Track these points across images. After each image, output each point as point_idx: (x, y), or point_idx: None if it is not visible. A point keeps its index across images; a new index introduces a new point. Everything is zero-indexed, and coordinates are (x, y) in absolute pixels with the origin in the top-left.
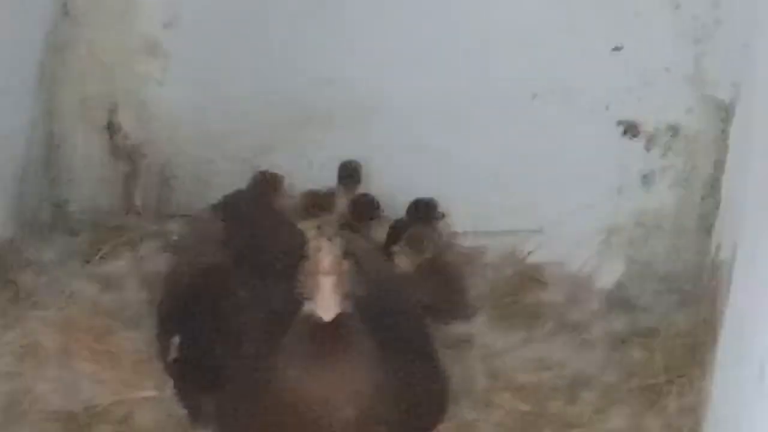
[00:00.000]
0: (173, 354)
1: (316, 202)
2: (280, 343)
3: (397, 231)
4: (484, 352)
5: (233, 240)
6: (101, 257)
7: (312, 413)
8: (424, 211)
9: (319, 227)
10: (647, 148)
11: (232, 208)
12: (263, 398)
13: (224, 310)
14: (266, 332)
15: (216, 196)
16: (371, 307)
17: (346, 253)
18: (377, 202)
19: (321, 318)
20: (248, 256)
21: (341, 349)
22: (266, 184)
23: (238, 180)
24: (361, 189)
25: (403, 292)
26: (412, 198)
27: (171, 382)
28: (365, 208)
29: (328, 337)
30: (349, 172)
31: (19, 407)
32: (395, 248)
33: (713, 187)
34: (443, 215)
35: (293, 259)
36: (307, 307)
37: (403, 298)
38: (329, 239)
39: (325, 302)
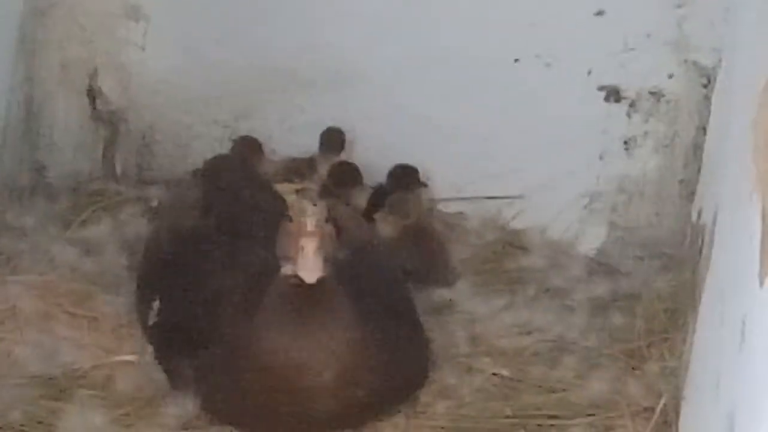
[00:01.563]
0: (152, 318)
1: (297, 169)
2: (258, 305)
3: (378, 197)
4: (465, 318)
5: (212, 205)
6: (81, 222)
7: (290, 375)
8: (405, 177)
9: (301, 190)
10: (629, 114)
11: (211, 173)
12: (241, 361)
13: (203, 274)
14: (244, 294)
15: (196, 161)
16: (352, 271)
17: (328, 217)
18: (358, 169)
19: (301, 280)
20: (228, 221)
21: (320, 311)
22: (246, 149)
23: (218, 145)
24: (342, 155)
25: (384, 256)
26: (392, 164)
27: (151, 347)
28: (346, 175)
29: (306, 299)
30: (332, 140)
31: None
32: (377, 214)
33: (695, 152)
34: (424, 183)
35: (273, 223)
36: (286, 268)
37: (384, 263)
38: (312, 202)
39: (308, 264)
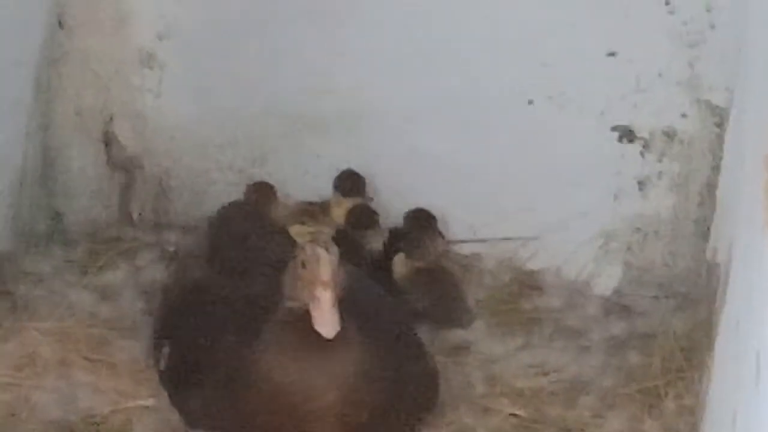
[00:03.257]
0: (163, 364)
1: (310, 213)
2: (261, 334)
3: (394, 239)
4: (482, 358)
5: (220, 253)
6: (98, 268)
7: (292, 401)
8: (421, 220)
9: (314, 233)
10: (643, 154)
11: (221, 221)
12: (243, 390)
13: (207, 317)
14: (245, 325)
15: (212, 206)
16: (353, 300)
17: (340, 262)
18: (375, 212)
19: (313, 321)
20: (232, 268)
21: (322, 338)
22: (260, 194)
23: (234, 190)
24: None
25: (383, 287)
26: (408, 206)
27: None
28: (364, 218)
29: (309, 326)
30: (349, 183)
31: (18, 417)
32: (393, 256)
33: (709, 191)
34: (441, 233)
35: (280, 267)
36: (290, 303)
37: (385, 294)
38: (326, 247)
39: (326, 319)
